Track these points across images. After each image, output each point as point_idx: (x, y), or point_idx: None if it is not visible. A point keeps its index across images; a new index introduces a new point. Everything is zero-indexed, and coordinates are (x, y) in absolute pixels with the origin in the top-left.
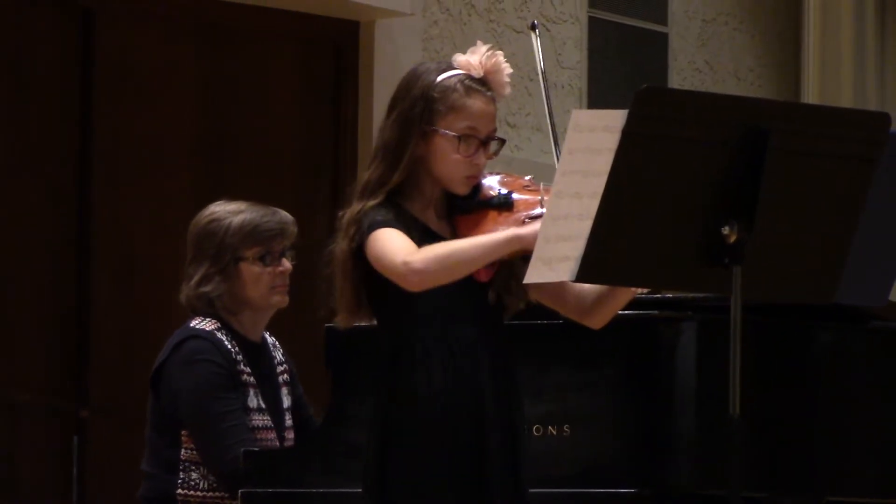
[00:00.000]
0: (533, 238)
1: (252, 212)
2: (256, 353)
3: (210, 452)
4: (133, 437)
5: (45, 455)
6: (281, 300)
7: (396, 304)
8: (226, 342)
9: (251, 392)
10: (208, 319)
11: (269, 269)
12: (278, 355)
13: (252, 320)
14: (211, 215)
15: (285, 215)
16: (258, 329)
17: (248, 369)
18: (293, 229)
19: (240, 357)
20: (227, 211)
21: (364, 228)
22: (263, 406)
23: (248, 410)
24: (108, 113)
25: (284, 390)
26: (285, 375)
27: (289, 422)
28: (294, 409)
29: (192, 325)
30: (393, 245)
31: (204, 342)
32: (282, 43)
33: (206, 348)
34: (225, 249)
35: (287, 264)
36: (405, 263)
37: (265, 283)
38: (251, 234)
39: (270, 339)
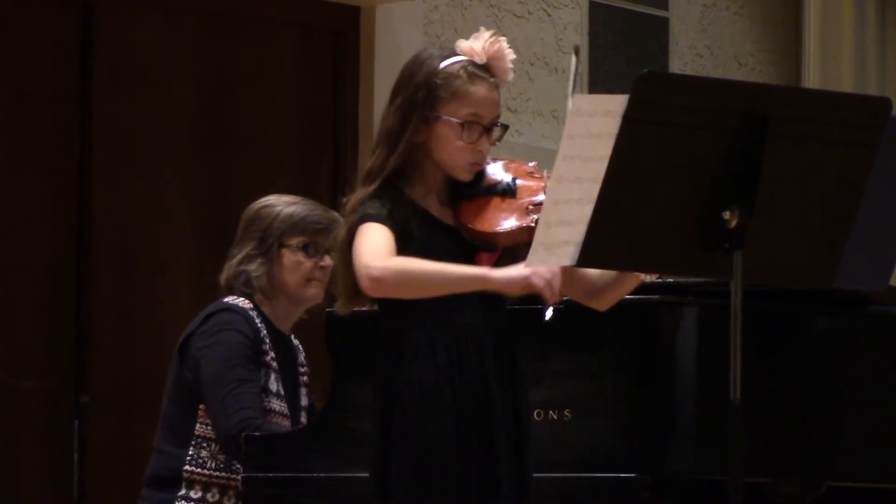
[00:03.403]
0: (501, 283)
1: (304, 205)
2: (283, 344)
3: (219, 414)
4: (133, 422)
5: (46, 440)
6: (316, 294)
7: None
8: (257, 321)
9: (273, 376)
10: (243, 299)
11: (310, 260)
12: (300, 357)
13: (285, 310)
14: (265, 202)
15: (336, 215)
16: (288, 321)
17: (273, 354)
18: None
19: (267, 339)
20: (282, 201)
21: (356, 220)
22: (283, 393)
23: (268, 392)
24: (107, 101)
25: (303, 390)
26: (305, 378)
27: (304, 420)
28: (307, 413)
29: (225, 300)
30: (368, 243)
31: (236, 315)
32: (282, 29)
33: (237, 320)
34: (271, 234)
35: (329, 261)
36: (366, 266)
37: (304, 272)
38: (298, 224)
39: (295, 341)
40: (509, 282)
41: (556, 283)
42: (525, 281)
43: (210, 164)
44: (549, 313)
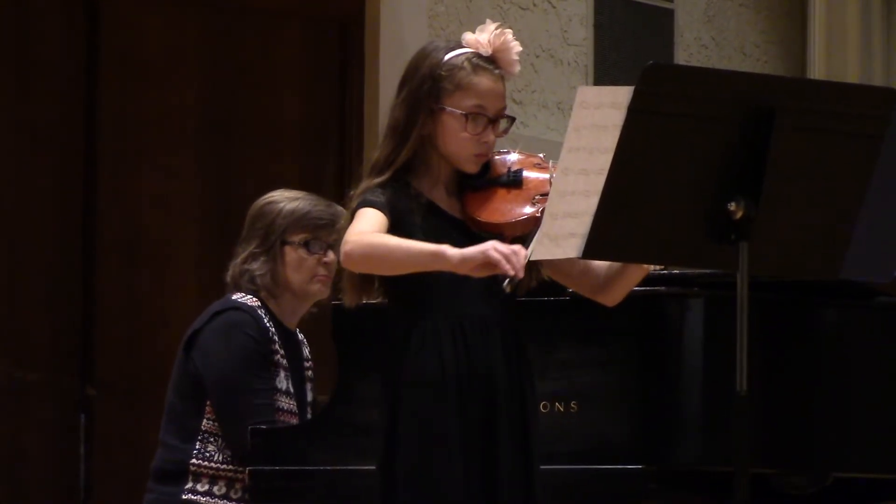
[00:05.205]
0: (456, 260)
1: (308, 200)
2: (290, 341)
3: (232, 427)
4: (140, 414)
5: (52, 433)
6: (321, 290)
7: (408, 284)
8: (265, 319)
9: (282, 374)
10: (250, 296)
11: (313, 256)
12: (305, 352)
13: (291, 306)
14: (269, 198)
15: (340, 209)
16: (294, 317)
17: (282, 352)
18: None
19: (276, 338)
20: (285, 197)
21: (355, 206)
22: (292, 391)
23: (277, 391)
24: (113, 93)
25: (308, 385)
26: (310, 373)
27: (310, 415)
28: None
29: (233, 297)
30: (358, 223)
31: (244, 315)
32: (287, 21)
33: (246, 321)
34: (274, 231)
35: (332, 256)
36: (345, 241)
37: (307, 269)
38: (300, 220)
39: (300, 336)
40: (464, 258)
41: (519, 258)
42: (482, 256)
43: (215, 155)
44: (506, 284)
